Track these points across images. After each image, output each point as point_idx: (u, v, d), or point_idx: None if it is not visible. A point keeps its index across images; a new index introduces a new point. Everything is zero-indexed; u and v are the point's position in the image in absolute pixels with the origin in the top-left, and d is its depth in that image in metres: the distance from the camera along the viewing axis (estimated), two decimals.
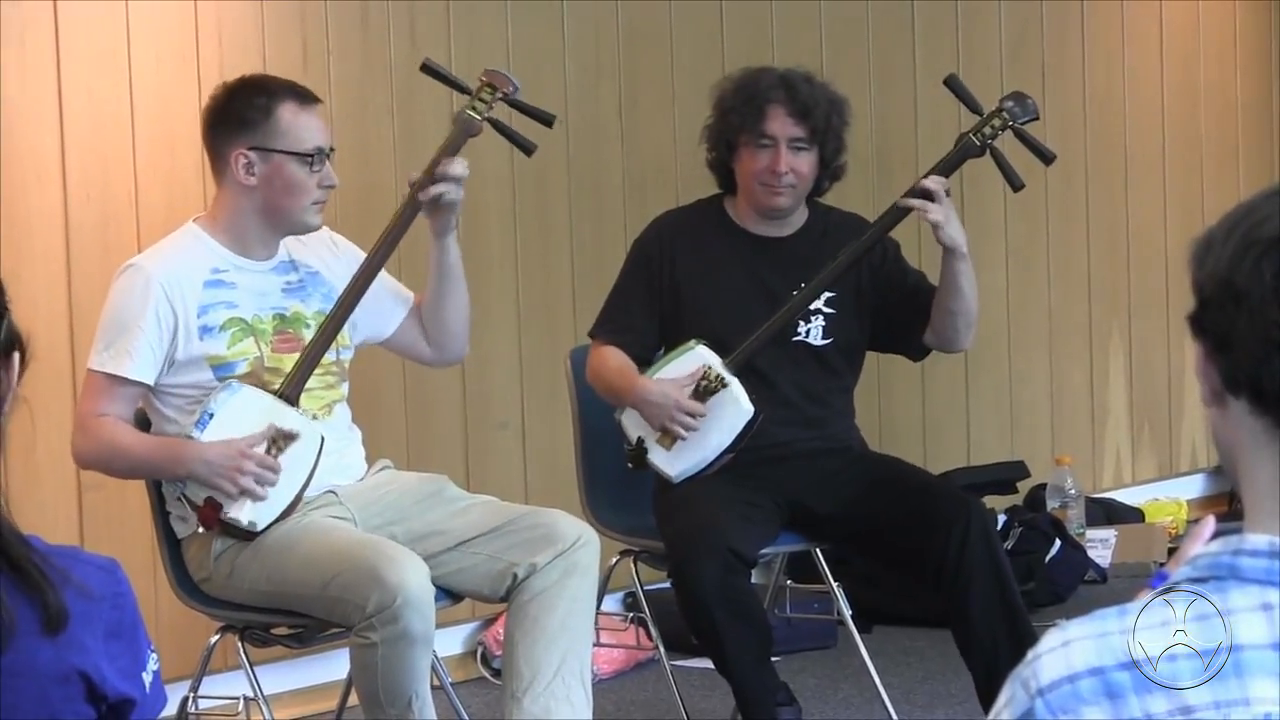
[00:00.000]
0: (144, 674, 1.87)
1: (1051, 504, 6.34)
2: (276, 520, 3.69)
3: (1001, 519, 5.99)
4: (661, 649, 4.35)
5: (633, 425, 4.18)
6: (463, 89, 3.96)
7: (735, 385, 4.12)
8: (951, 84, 4.25)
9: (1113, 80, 6.94)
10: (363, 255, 3.90)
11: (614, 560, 4.36)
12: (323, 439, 3.76)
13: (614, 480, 4.37)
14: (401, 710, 3.59)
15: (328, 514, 3.78)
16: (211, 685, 3.95)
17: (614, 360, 4.24)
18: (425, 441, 5.14)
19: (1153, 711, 1.37)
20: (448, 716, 4.02)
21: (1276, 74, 7.53)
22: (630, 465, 4.19)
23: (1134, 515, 6.68)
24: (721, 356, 4.14)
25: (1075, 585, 5.95)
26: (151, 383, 3.74)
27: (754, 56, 5.13)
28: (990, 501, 5.99)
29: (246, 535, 3.69)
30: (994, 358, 6.55)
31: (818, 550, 4.42)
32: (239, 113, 3.77)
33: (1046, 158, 4.22)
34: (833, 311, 4.26)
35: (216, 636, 3.85)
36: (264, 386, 3.75)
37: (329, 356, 3.84)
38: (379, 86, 5.05)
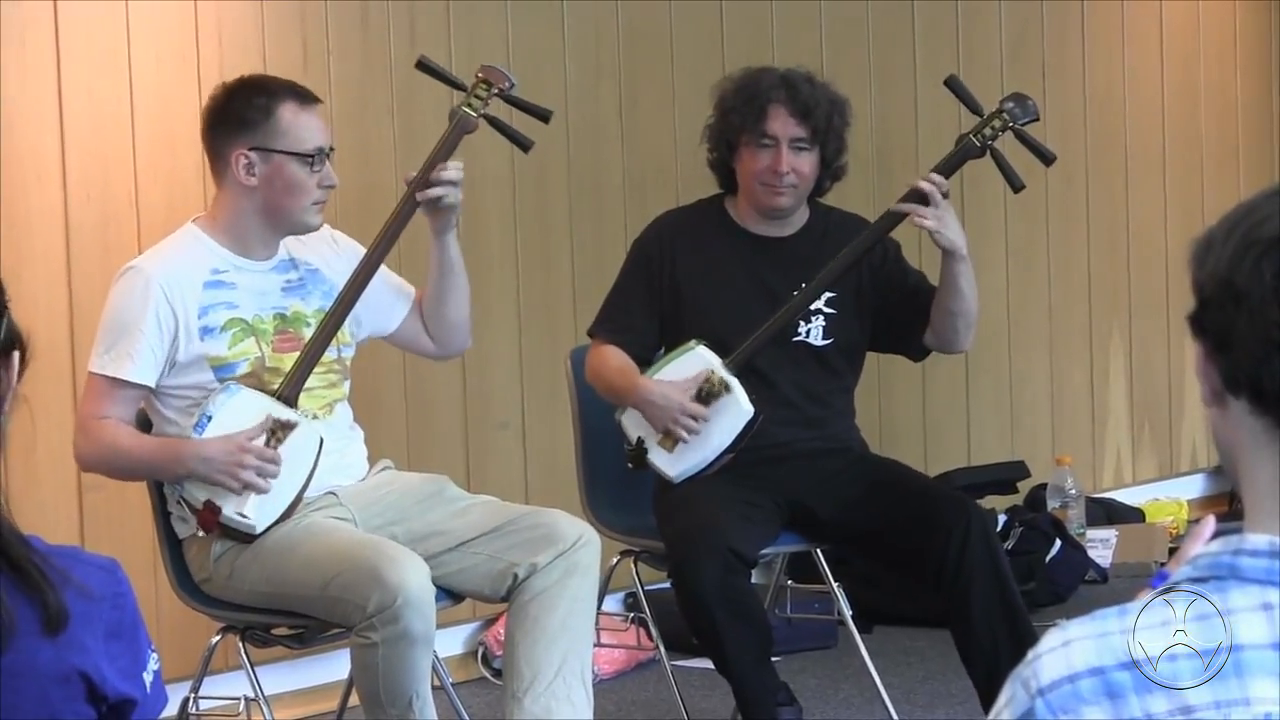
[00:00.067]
0: (144, 674, 1.87)
1: (1052, 504, 6.34)
2: (277, 521, 3.69)
3: (1002, 519, 5.99)
4: (662, 649, 4.35)
5: (633, 425, 4.18)
6: (458, 86, 3.96)
7: (735, 385, 4.12)
8: (952, 84, 4.25)
9: (1113, 80, 6.94)
10: (363, 251, 3.90)
11: (614, 560, 4.36)
12: (322, 439, 3.76)
13: (614, 480, 4.37)
14: (402, 710, 3.59)
15: (328, 515, 3.78)
16: (212, 685, 3.95)
17: (615, 360, 4.24)
18: (425, 441, 5.14)
19: (1153, 711, 1.37)
20: (448, 717, 4.01)
21: (1276, 74, 7.53)
22: (630, 465, 4.19)
23: (1134, 515, 6.68)
24: (722, 356, 4.14)
25: (1076, 585, 5.95)
26: (153, 385, 3.74)
27: (754, 57, 5.13)
28: (990, 501, 6.00)
29: (246, 537, 3.69)
30: (994, 358, 6.55)
31: (818, 550, 4.42)
32: (239, 113, 3.77)
33: (1047, 159, 4.22)
34: (833, 312, 4.26)
35: (217, 637, 3.85)
36: (264, 387, 3.75)
37: (330, 355, 3.84)
38: (379, 86, 5.05)
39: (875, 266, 4.27)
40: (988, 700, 3.93)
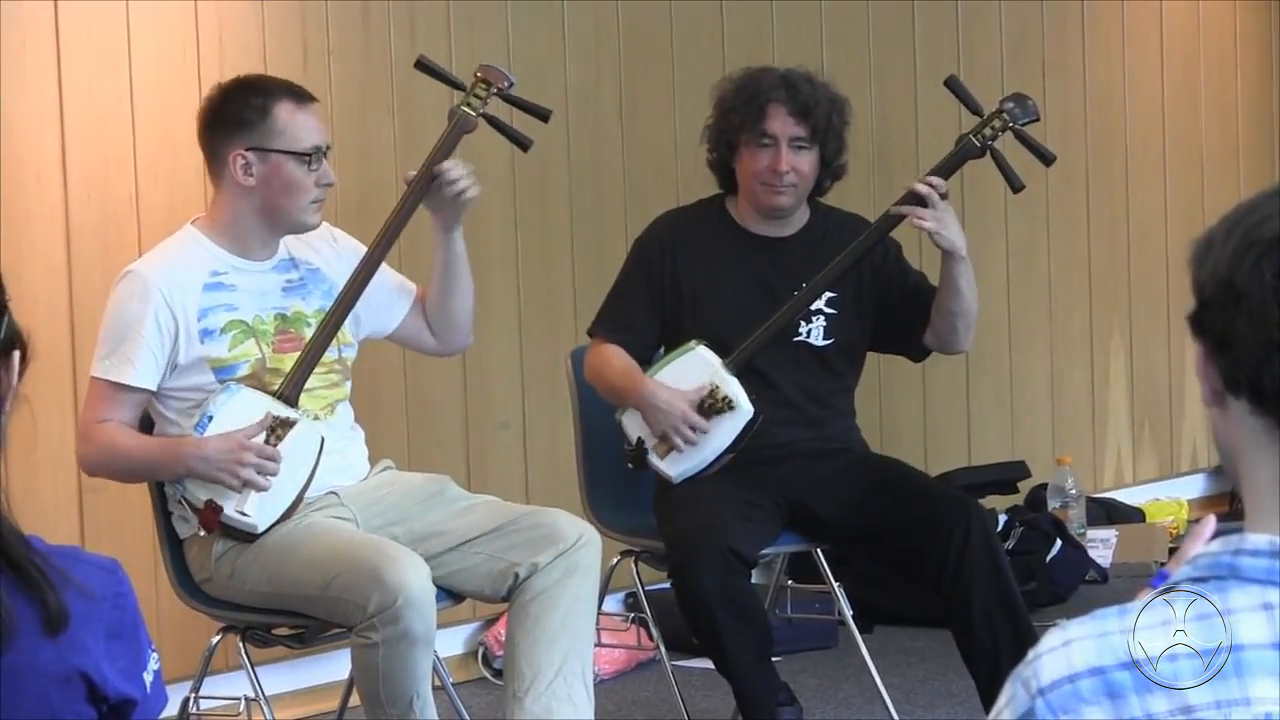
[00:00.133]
0: (145, 674, 1.87)
1: (1052, 504, 6.34)
2: (277, 521, 3.70)
3: (1002, 519, 5.99)
4: (662, 649, 4.35)
5: (633, 426, 4.18)
6: (457, 85, 3.96)
7: (736, 387, 4.12)
8: (952, 85, 4.25)
9: (1113, 80, 6.94)
10: (364, 250, 3.90)
11: (615, 560, 4.36)
12: (323, 439, 3.76)
13: (615, 480, 4.38)
14: (403, 710, 3.59)
15: (329, 515, 3.78)
16: (213, 685, 3.95)
17: (616, 360, 4.24)
18: (426, 441, 5.14)
19: (1153, 711, 1.37)
20: (449, 717, 4.02)
21: (1276, 74, 7.53)
22: (630, 465, 4.19)
23: (1135, 515, 6.68)
24: (722, 356, 4.14)
25: (1076, 585, 5.96)
26: (154, 388, 3.74)
27: (755, 56, 5.13)
28: (991, 501, 6.00)
29: (247, 537, 3.69)
30: (995, 358, 6.55)
31: (818, 550, 4.42)
32: (235, 113, 3.77)
33: (1047, 159, 4.22)
34: (834, 312, 4.26)
35: (218, 637, 3.85)
36: (265, 388, 3.75)
37: (330, 355, 3.84)
38: (379, 86, 5.05)
39: (876, 267, 4.27)
40: (988, 700, 3.93)
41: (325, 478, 3.78)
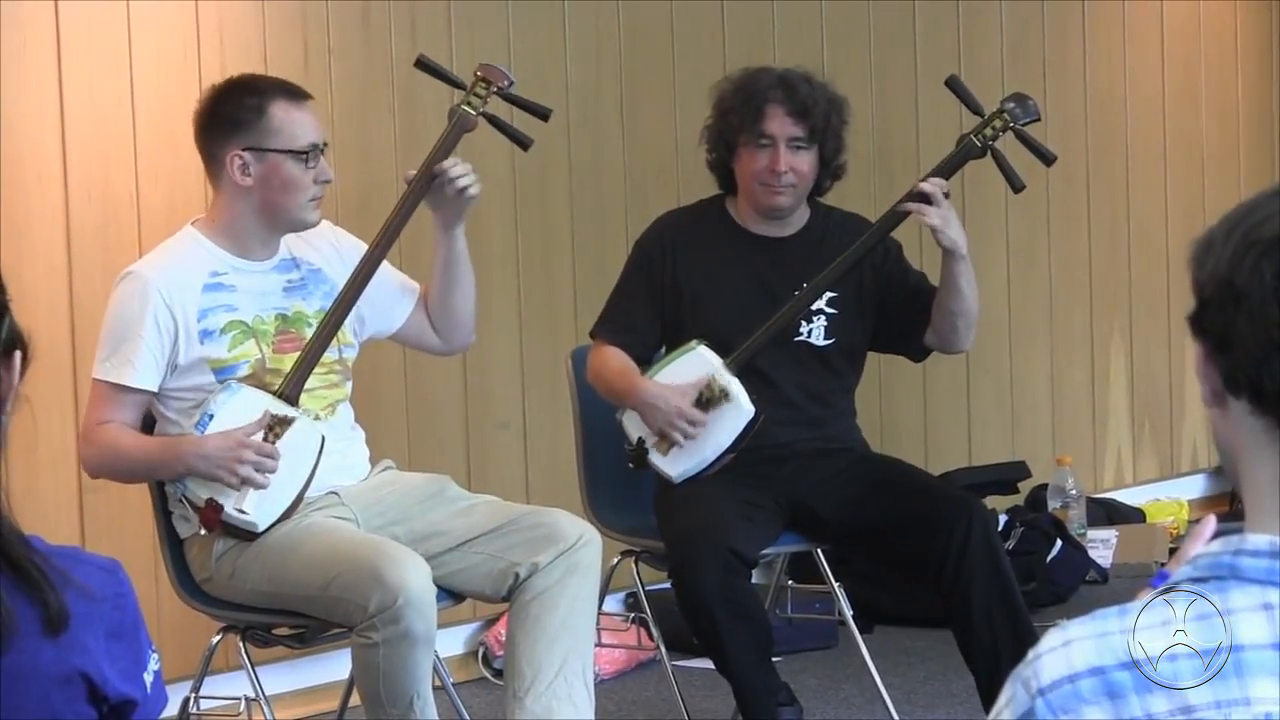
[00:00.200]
0: (145, 675, 1.87)
1: (1053, 504, 6.34)
2: (278, 521, 3.70)
3: (1003, 519, 5.99)
4: (663, 649, 4.35)
5: (634, 426, 4.18)
6: (457, 84, 3.96)
7: (736, 385, 4.12)
8: (952, 85, 4.26)
9: (1114, 80, 6.94)
10: (366, 250, 3.90)
11: (615, 560, 4.36)
12: (323, 439, 3.76)
13: (615, 480, 4.38)
14: (403, 710, 3.59)
15: (330, 514, 3.78)
16: (213, 685, 3.95)
17: (615, 361, 4.24)
18: (426, 441, 5.14)
19: (1153, 711, 1.37)
20: (449, 717, 4.02)
21: (1277, 74, 7.54)
22: (631, 465, 4.19)
23: (1135, 515, 6.68)
24: (723, 356, 4.14)
25: (1076, 585, 5.96)
26: (155, 389, 3.74)
27: (755, 56, 5.13)
28: (991, 502, 6.00)
29: (248, 536, 3.69)
30: (995, 358, 6.55)
31: (819, 550, 4.42)
32: (231, 114, 3.76)
33: (1047, 159, 4.22)
34: (834, 312, 4.26)
35: (218, 637, 3.85)
36: (265, 388, 3.75)
37: (331, 355, 3.84)
38: (380, 86, 5.05)
39: (876, 266, 4.27)
40: (989, 700, 3.93)
41: (326, 478, 3.78)
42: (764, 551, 4.20)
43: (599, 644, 4.11)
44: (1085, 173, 6.82)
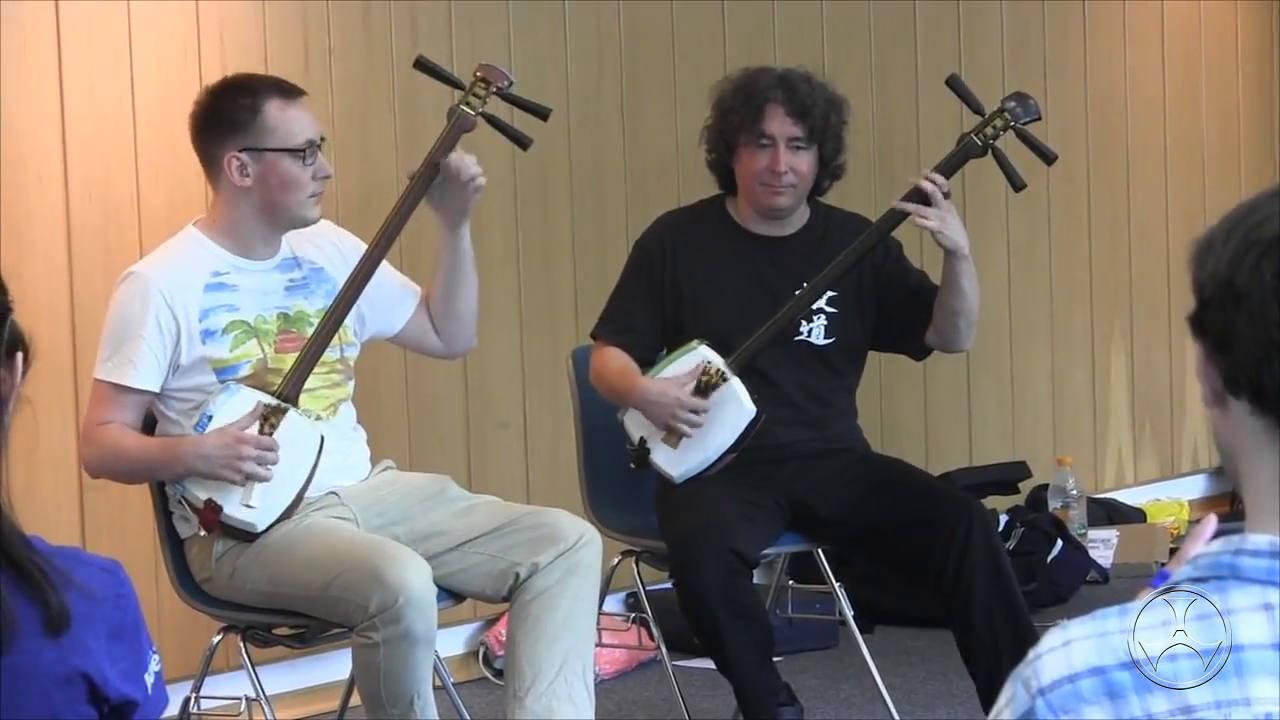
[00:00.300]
0: (146, 675, 1.87)
1: (1053, 504, 6.34)
2: (277, 521, 3.69)
3: (1003, 519, 5.99)
4: (663, 649, 4.35)
5: (635, 425, 4.18)
6: (457, 84, 3.96)
7: (737, 384, 4.12)
8: (953, 84, 4.25)
9: (1114, 80, 6.94)
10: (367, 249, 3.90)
11: (616, 560, 4.36)
12: (322, 439, 3.76)
13: (616, 480, 4.38)
14: (403, 710, 3.59)
15: (330, 514, 3.78)
16: (213, 685, 3.95)
17: (615, 361, 4.24)
18: (427, 441, 5.14)
19: (1153, 711, 1.37)
20: (450, 717, 4.02)
21: (1277, 74, 7.53)
22: (633, 465, 4.19)
23: (1136, 515, 6.68)
24: (724, 356, 4.14)
25: (1077, 585, 5.96)
26: (157, 390, 3.74)
27: (756, 56, 5.13)
28: (992, 502, 6.00)
29: (247, 536, 3.69)
30: (996, 357, 6.55)
31: (819, 550, 4.42)
32: (226, 115, 3.76)
33: (1048, 158, 4.22)
34: (835, 311, 4.26)
35: (218, 637, 3.85)
36: (266, 388, 3.75)
37: (332, 354, 3.84)
38: (380, 86, 5.05)
39: (877, 265, 4.28)
40: (989, 700, 3.93)
41: (326, 478, 3.78)
42: (765, 551, 4.20)
43: (599, 644, 4.11)
44: (1086, 172, 6.82)
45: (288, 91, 3.79)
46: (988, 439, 6.55)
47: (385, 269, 3.92)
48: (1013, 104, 4.16)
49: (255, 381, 3.75)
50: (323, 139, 3.82)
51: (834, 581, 4.45)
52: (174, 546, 3.86)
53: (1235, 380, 1.42)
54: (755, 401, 4.11)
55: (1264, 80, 7.49)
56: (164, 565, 3.88)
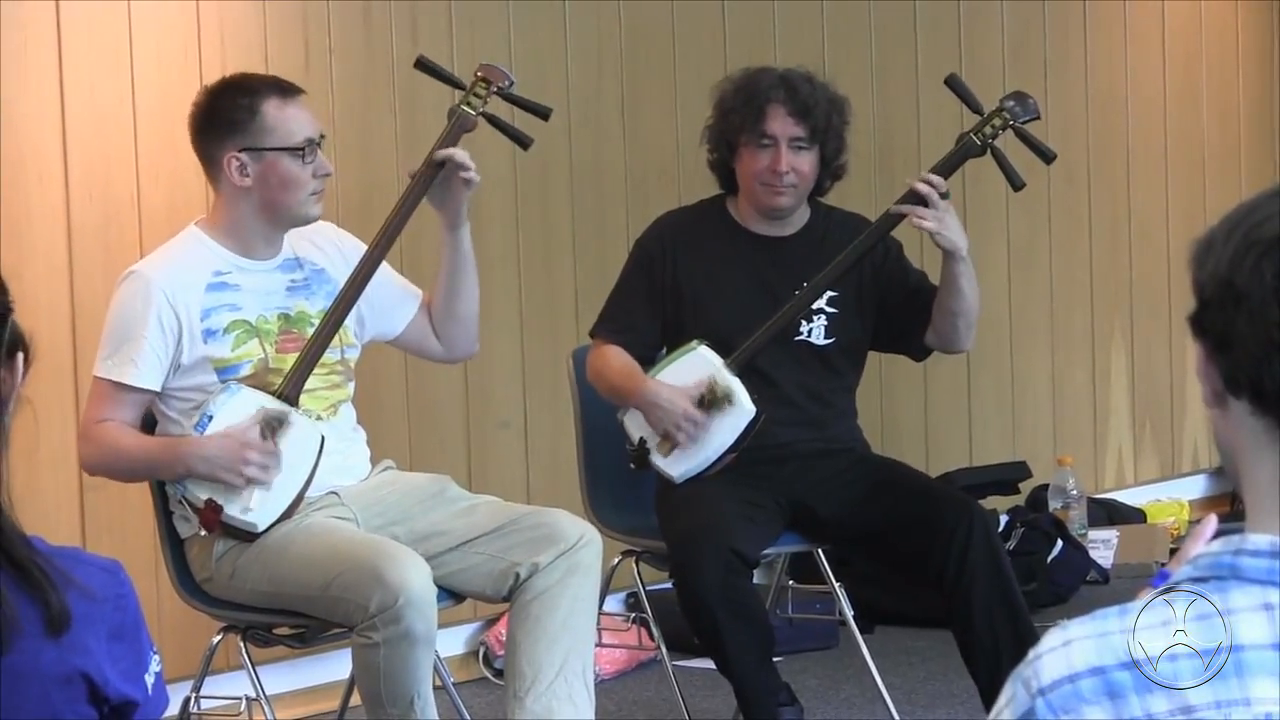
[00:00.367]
0: (146, 675, 1.88)
1: (1053, 504, 6.34)
2: (278, 521, 3.69)
3: (1003, 519, 5.99)
4: (663, 649, 4.35)
5: (635, 426, 4.18)
6: (457, 84, 3.96)
7: (737, 385, 4.12)
8: (952, 84, 4.25)
9: (1115, 79, 6.94)
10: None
11: (616, 560, 4.36)
12: (323, 439, 3.75)
13: (616, 480, 4.38)
14: (404, 710, 3.59)
15: (330, 514, 3.78)
16: (213, 685, 3.95)
17: (617, 361, 4.24)
18: (427, 441, 5.14)
19: (1154, 711, 1.37)
20: (450, 717, 4.02)
21: (1278, 74, 7.53)
22: (632, 465, 4.19)
23: (1136, 516, 6.68)
24: (723, 356, 4.14)
25: (1077, 586, 5.96)
26: (158, 389, 3.74)
27: (756, 56, 5.13)
28: (992, 502, 6.00)
29: (247, 536, 3.69)
30: (996, 358, 6.55)
31: (819, 551, 4.42)
32: (225, 115, 3.76)
33: (1047, 157, 4.22)
34: (835, 311, 4.26)
35: (218, 637, 3.85)
36: (266, 388, 3.75)
37: (333, 355, 3.84)
38: (381, 85, 5.05)
39: (876, 265, 4.28)
40: (989, 700, 3.93)
41: (326, 478, 3.78)
42: (765, 551, 4.20)
43: (599, 644, 4.11)
44: (1086, 172, 6.82)
45: (286, 90, 3.79)
46: (988, 439, 6.55)
47: (386, 271, 3.92)
48: (1012, 103, 4.16)
49: (256, 381, 3.75)
50: (322, 137, 3.82)
51: (834, 581, 4.45)
52: (174, 546, 3.85)
53: (1235, 380, 1.42)
54: (755, 401, 4.11)
55: (1265, 80, 7.49)
56: (164, 565, 3.88)
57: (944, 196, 4.11)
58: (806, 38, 5.93)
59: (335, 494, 3.82)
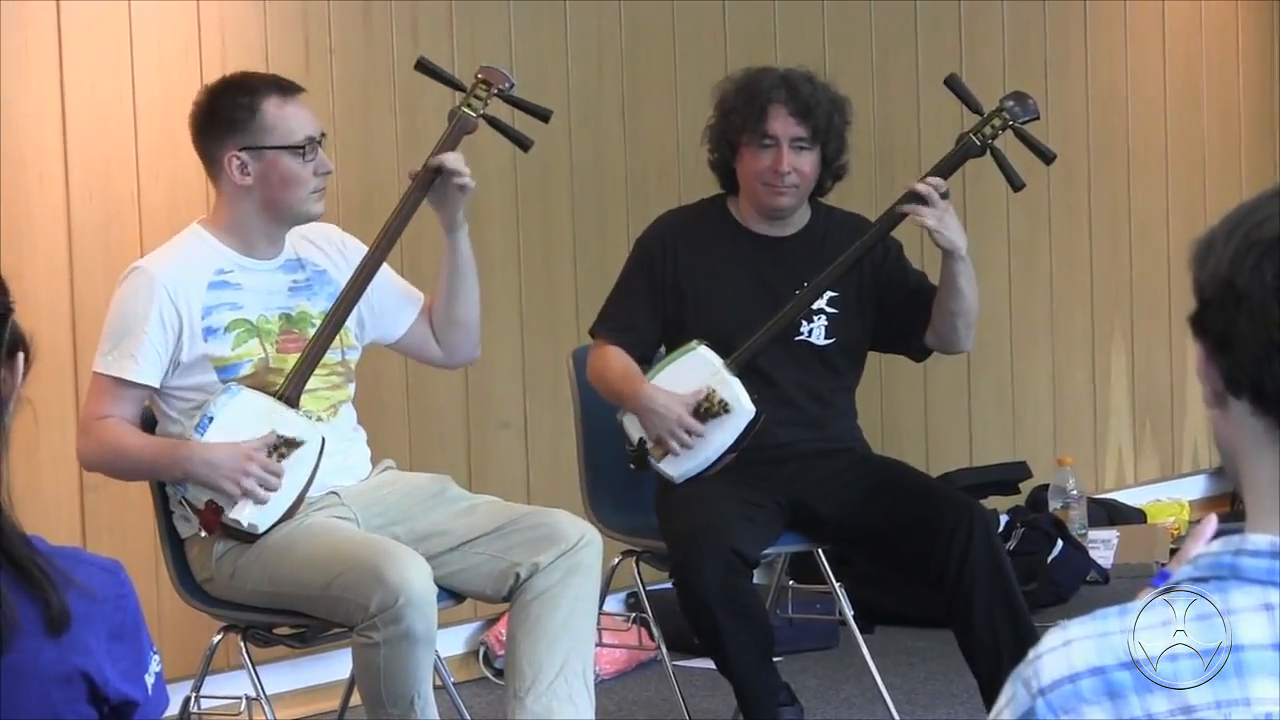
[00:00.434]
0: (146, 675, 1.88)
1: (1053, 504, 6.34)
2: (278, 522, 3.69)
3: (1004, 519, 5.99)
4: (663, 649, 4.35)
5: (635, 426, 4.18)
6: (458, 86, 3.96)
7: (736, 385, 4.12)
8: (951, 84, 4.25)
9: (1115, 80, 6.94)
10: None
11: (616, 560, 4.36)
12: (324, 440, 3.75)
13: (616, 480, 4.38)
14: (404, 710, 3.59)
15: (330, 514, 3.78)
16: (214, 685, 3.95)
17: (617, 362, 4.23)
18: (427, 441, 5.14)
19: (1154, 711, 1.37)
20: (450, 717, 4.02)
21: (1278, 73, 7.53)
22: (632, 466, 4.19)
23: (1136, 516, 6.68)
24: (724, 356, 4.14)
25: (1077, 586, 5.96)
26: (156, 385, 3.74)
27: (757, 56, 5.13)
28: (992, 502, 6.00)
29: (248, 537, 3.69)
30: (996, 358, 6.55)
31: (819, 551, 4.42)
32: (225, 115, 3.76)
33: (1047, 157, 4.22)
34: (835, 311, 4.26)
35: (219, 636, 3.85)
36: (267, 388, 3.74)
37: (334, 357, 3.84)
38: (381, 85, 5.05)
39: (876, 266, 4.28)
40: (989, 700, 3.93)
41: (326, 478, 3.78)
42: (765, 551, 4.20)
43: (600, 644, 4.11)
44: (1086, 172, 6.82)
45: (286, 89, 3.79)
46: (988, 439, 6.55)
47: (388, 274, 3.92)
48: (1011, 103, 4.16)
49: (256, 381, 3.74)
50: (323, 135, 3.82)
51: (834, 581, 4.45)
52: (174, 546, 3.85)
53: (1236, 380, 1.42)
54: (755, 401, 4.11)
55: (1265, 80, 7.49)
56: (164, 565, 3.88)
57: (944, 196, 4.11)
58: (807, 38, 5.93)
59: (335, 494, 3.82)
